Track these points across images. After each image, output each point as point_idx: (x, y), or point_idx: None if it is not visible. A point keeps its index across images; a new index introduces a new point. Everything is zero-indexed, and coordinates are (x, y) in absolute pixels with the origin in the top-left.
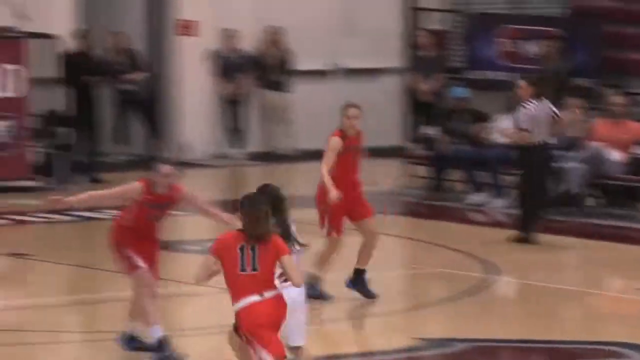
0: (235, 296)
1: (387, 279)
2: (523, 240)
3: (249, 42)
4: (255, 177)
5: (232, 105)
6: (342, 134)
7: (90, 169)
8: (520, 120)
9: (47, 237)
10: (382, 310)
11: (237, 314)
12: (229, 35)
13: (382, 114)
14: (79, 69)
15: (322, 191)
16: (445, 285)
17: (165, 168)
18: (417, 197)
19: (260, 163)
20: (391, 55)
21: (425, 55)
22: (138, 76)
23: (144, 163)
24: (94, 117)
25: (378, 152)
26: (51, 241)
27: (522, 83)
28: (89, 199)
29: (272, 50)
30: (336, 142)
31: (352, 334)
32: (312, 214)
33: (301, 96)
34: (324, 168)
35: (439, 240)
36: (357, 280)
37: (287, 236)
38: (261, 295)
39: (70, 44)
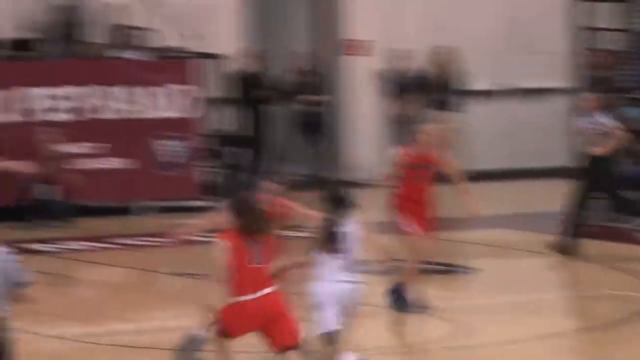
0: (237, 290)
1: (558, 300)
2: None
3: (418, 62)
4: None
5: (401, 126)
6: (411, 149)
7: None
8: (613, 122)
9: (203, 257)
10: (553, 331)
11: (227, 307)
12: (398, 55)
13: (551, 134)
14: (250, 89)
15: (393, 198)
16: (618, 307)
17: (267, 184)
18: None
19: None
20: (560, 75)
21: (595, 75)
22: (319, 98)
23: (314, 183)
24: (264, 137)
25: (547, 173)
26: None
27: (587, 95)
28: (196, 228)
29: (442, 70)
30: (398, 155)
31: (522, 355)
32: (483, 234)
33: (470, 116)
34: (384, 177)
35: (610, 262)
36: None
37: (329, 238)
38: (255, 293)
39: (240, 64)
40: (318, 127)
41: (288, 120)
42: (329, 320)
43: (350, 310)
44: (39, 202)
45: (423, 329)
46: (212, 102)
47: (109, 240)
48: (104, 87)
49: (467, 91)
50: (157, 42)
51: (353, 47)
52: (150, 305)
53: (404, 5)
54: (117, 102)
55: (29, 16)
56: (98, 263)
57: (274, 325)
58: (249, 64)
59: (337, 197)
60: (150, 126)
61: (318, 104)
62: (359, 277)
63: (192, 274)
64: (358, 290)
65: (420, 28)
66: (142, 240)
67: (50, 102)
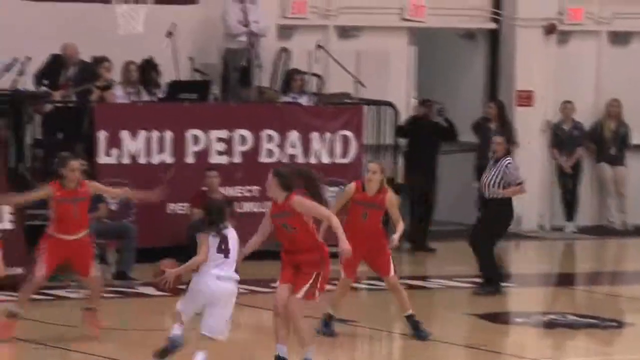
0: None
1: None
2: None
3: (587, 114)
4: (585, 251)
5: (567, 178)
6: (358, 186)
7: (422, 237)
8: (517, 175)
9: (371, 304)
10: None
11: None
12: (567, 107)
13: None
14: (416, 137)
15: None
16: None
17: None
18: None
19: (592, 237)
20: None
21: None
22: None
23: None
24: (429, 185)
25: None
26: (375, 308)
27: (499, 139)
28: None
29: (610, 123)
30: (346, 189)
31: None
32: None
33: (636, 170)
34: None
35: None
36: None
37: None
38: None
39: (411, 111)
40: None
41: (459, 167)
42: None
43: (219, 306)
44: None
45: None
46: (378, 148)
47: (268, 283)
48: (276, 132)
49: (635, 145)
50: (328, 88)
51: (523, 98)
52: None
53: (578, 58)
54: (290, 147)
55: (205, 60)
56: (255, 307)
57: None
58: (421, 111)
59: (220, 207)
60: (317, 172)
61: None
62: (236, 277)
63: (348, 321)
64: (232, 290)
65: (591, 80)
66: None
67: (224, 145)
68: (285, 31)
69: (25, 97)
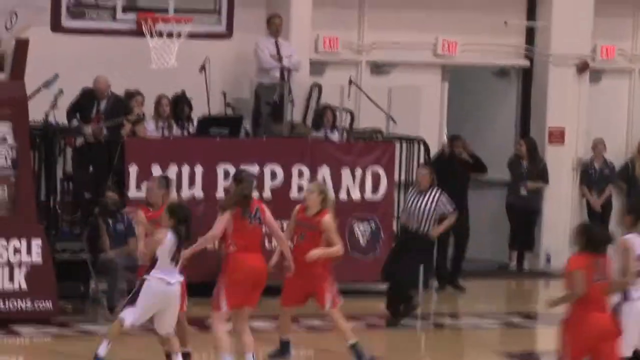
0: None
1: None
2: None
3: (618, 153)
4: None
5: (597, 216)
6: (302, 207)
7: (453, 276)
8: (451, 203)
9: (398, 341)
10: None
11: None
12: (598, 145)
13: None
14: (444, 174)
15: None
16: None
17: None
18: None
19: None
20: None
21: None
22: (535, 185)
23: (505, 272)
24: (462, 223)
25: None
26: (402, 345)
27: (424, 171)
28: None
29: None
30: (293, 211)
31: None
32: None
33: None
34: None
35: None
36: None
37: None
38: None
39: (442, 148)
40: (526, 214)
41: (490, 204)
42: (138, 315)
43: (172, 306)
44: None
45: None
46: (407, 185)
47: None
48: (307, 167)
49: None
50: (360, 123)
51: (554, 135)
52: None
53: (610, 96)
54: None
55: (237, 94)
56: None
57: None
58: (452, 148)
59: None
60: (348, 208)
61: (533, 191)
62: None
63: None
64: (178, 290)
65: (624, 119)
66: (322, 321)
67: (254, 180)
68: (318, 66)
69: (57, 131)
